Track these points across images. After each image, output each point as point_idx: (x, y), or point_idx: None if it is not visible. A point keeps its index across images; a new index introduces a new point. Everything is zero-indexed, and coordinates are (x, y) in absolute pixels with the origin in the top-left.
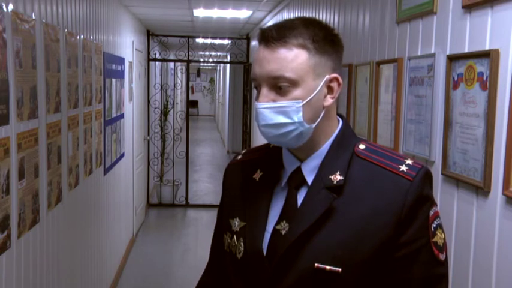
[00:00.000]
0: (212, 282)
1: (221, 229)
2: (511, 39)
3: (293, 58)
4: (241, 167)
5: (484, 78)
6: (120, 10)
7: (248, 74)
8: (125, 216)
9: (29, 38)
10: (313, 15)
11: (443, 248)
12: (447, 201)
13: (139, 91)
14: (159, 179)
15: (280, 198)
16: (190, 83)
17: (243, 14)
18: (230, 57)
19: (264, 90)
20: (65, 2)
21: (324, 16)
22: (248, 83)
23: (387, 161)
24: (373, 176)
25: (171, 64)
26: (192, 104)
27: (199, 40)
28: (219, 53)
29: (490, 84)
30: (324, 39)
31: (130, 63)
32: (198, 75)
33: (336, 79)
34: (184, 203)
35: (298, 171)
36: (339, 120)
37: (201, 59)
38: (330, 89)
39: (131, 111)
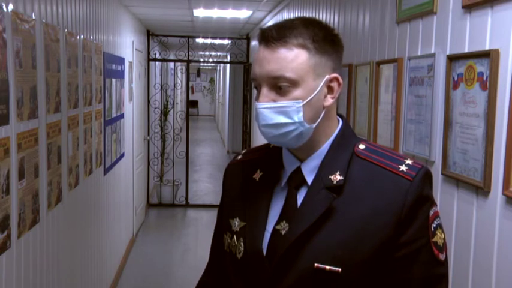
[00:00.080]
0: (212, 282)
1: (221, 229)
2: (511, 39)
3: (293, 58)
4: (241, 167)
5: (484, 78)
6: (120, 10)
7: (248, 74)
8: (125, 216)
9: (29, 38)
10: (313, 15)
11: (443, 248)
12: (447, 201)
13: (139, 91)
14: (159, 179)
15: (280, 198)
16: (190, 83)
17: (243, 14)
18: (230, 57)
19: (264, 90)
20: (65, 2)
21: (324, 16)
22: (248, 83)
23: (387, 161)
24: (373, 176)
25: (171, 64)
26: (192, 104)
27: (199, 40)
28: (219, 53)
29: (490, 84)
30: (324, 39)
31: (130, 63)
32: (198, 75)
33: (336, 79)
34: (184, 203)
35: (298, 171)
36: (338, 120)
37: (201, 59)
38: (330, 89)
39: (131, 111)
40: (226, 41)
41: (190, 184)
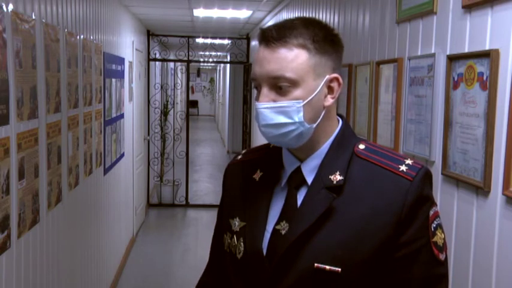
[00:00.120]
0: (212, 282)
1: (221, 229)
2: (511, 39)
3: (293, 58)
4: (241, 167)
5: (484, 78)
6: (120, 10)
7: (248, 74)
8: (125, 216)
9: (29, 38)
10: (313, 15)
11: (443, 248)
12: (447, 201)
13: (139, 91)
14: (159, 179)
15: (280, 198)
16: (190, 83)
17: (243, 14)
18: (230, 57)
19: (265, 90)
20: (65, 2)
21: (324, 16)
22: (248, 83)
23: (387, 161)
24: (373, 176)
25: (171, 64)
26: (192, 104)
27: (199, 40)
28: (219, 53)
29: (490, 84)
30: (324, 39)
31: (130, 63)
32: (198, 75)
33: (337, 79)
34: (184, 203)
35: (298, 171)
36: (338, 120)
37: (201, 59)
38: (330, 89)
39: (131, 111)
40: (226, 41)
41: (190, 184)
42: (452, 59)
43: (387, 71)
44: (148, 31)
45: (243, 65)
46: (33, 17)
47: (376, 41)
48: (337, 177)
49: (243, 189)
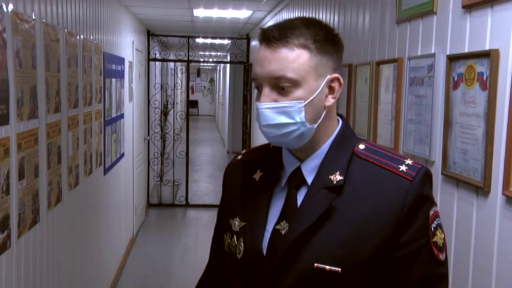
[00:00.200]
0: (212, 282)
1: (221, 229)
2: (511, 39)
3: (295, 58)
4: (241, 167)
5: (484, 78)
6: (120, 10)
7: (248, 74)
8: (125, 216)
9: (29, 38)
10: (313, 15)
11: (443, 248)
12: (447, 201)
13: (139, 91)
14: (159, 179)
15: (280, 198)
16: (190, 83)
17: (243, 14)
18: (230, 57)
19: (266, 90)
20: (65, 2)
21: (324, 16)
22: (248, 83)
23: (387, 161)
24: (373, 176)
25: (171, 64)
26: (192, 104)
27: (199, 40)
28: (219, 53)
29: (490, 84)
30: (325, 39)
31: (130, 63)
32: (198, 75)
33: (337, 79)
34: (184, 203)
35: (298, 171)
36: (338, 120)
37: (201, 59)
38: (331, 89)
39: (131, 111)
40: (226, 41)
41: (190, 184)
42: (452, 59)
43: (387, 71)
44: (148, 31)
45: (243, 65)
46: (33, 17)
47: (376, 41)
48: (337, 177)
49: (243, 189)
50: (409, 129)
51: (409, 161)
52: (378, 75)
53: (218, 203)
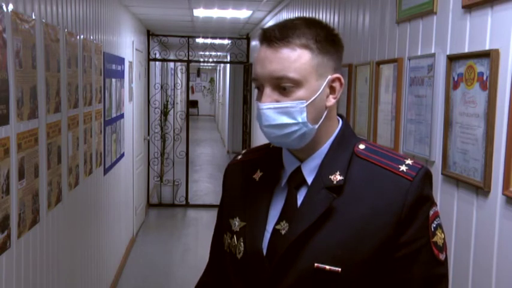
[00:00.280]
0: (212, 282)
1: (221, 229)
2: (511, 39)
3: (296, 58)
4: (241, 167)
5: (484, 78)
6: (120, 10)
7: (248, 74)
8: (125, 216)
9: (29, 38)
10: (313, 15)
11: (443, 248)
12: (447, 201)
13: (139, 91)
14: (159, 179)
15: (280, 198)
16: (190, 83)
17: (243, 14)
18: (230, 57)
19: (267, 91)
20: (65, 2)
21: (324, 16)
22: (248, 83)
23: (387, 161)
24: (373, 176)
25: (171, 64)
26: (192, 104)
27: (199, 40)
28: (219, 53)
29: (490, 84)
30: (326, 39)
31: (130, 63)
32: (198, 75)
33: (338, 79)
34: (184, 203)
35: (298, 171)
36: (339, 120)
37: (201, 59)
38: (332, 89)
39: (131, 111)
40: (226, 41)
41: (190, 184)
42: (452, 59)
43: (387, 71)
44: (148, 31)
45: (243, 65)
46: (33, 17)
47: (376, 41)
48: (337, 177)
49: (243, 189)
50: (409, 129)
51: (409, 161)
52: (378, 75)
53: (218, 203)
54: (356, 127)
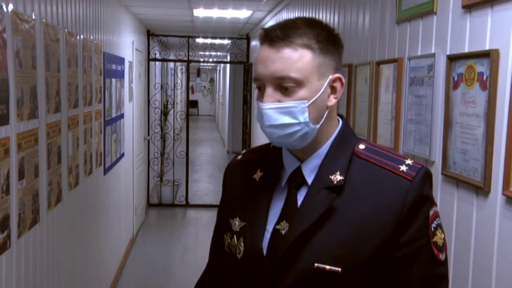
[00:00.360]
0: (212, 282)
1: (221, 229)
2: (511, 39)
3: (298, 58)
4: (241, 167)
5: (484, 78)
6: (120, 10)
7: (248, 74)
8: (125, 216)
9: (29, 38)
10: (313, 15)
11: (443, 248)
12: (447, 201)
13: (139, 91)
14: (159, 179)
15: (280, 198)
16: (190, 83)
17: (243, 14)
18: (230, 57)
19: (269, 91)
20: (65, 2)
21: (324, 16)
22: (248, 83)
23: (387, 161)
24: (373, 176)
25: (171, 64)
26: (192, 104)
27: (199, 40)
28: (219, 53)
29: (490, 84)
30: (327, 39)
31: (130, 63)
32: (198, 75)
33: (339, 79)
34: (184, 203)
35: (298, 171)
36: (339, 120)
37: (201, 59)
38: (333, 89)
39: (131, 111)
40: (226, 41)
41: (190, 184)
42: (452, 59)
43: (387, 71)
44: (148, 31)
45: (243, 65)
46: (33, 17)
47: (376, 41)
48: (337, 177)
49: (243, 189)
50: (409, 129)
51: (409, 161)
52: (378, 75)
53: (218, 203)
54: (356, 127)
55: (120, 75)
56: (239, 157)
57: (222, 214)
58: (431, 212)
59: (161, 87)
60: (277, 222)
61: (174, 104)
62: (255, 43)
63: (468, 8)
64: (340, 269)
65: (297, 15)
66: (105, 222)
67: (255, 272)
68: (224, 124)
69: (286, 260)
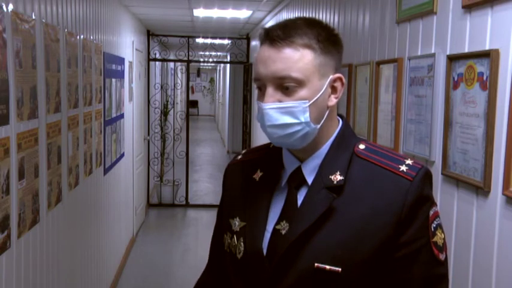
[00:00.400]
0: (212, 282)
1: (221, 229)
2: (511, 39)
3: (299, 58)
4: (241, 167)
5: (484, 78)
6: (120, 10)
7: (248, 74)
8: (125, 216)
9: (29, 38)
10: (313, 15)
11: (443, 248)
12: (447, 201)
13: (139, 91)
14: (159, 179)
15: (280, 198)
16: (190, 83)
17: (243, 14)
18: (230, 57)
19: (270, 90)
20: (65, 2)
21: (324, 16)
22: (248, 83)
23: (387, 161)
24: (373, 176)
25: (171, 64)
26: (192, 104)
27: (199, 40)
28: (219, 53)
29: (490, 84)
30: (327, 39)
31: (130, 63)
32: (198, 75)
33: (340, 79)
34: (184, 203)
35: (298, 171)
36: (339, 121)
37: (201, 59)
38: (333, 89)
39: (131, 111)
40: (226, 41)
41: (190, 184)
42: (452, 59)
43: (387, 71)
44: (148, 31)
45: (243, 65)
46: (33, 17)
47: (376, 41)
48: (337, 177)
49: (243, 189)
50: (409, 129)
51: (409, 161)
52: (378, 75)
53: (218, 203)
54: (356, 127)
55: (120, 75)
56: (239, 157)
57: (222, 214)
58: (431, 212)
59: (161, 87)
60: (277, 222)
61: (174, 104)
62: (255, 43)
63: (468, 8)
64: (340, 269)
65: (297, 15)
66: (105, 222)
67: (255, 272)
68: (224, 124)
69: (286, 260)
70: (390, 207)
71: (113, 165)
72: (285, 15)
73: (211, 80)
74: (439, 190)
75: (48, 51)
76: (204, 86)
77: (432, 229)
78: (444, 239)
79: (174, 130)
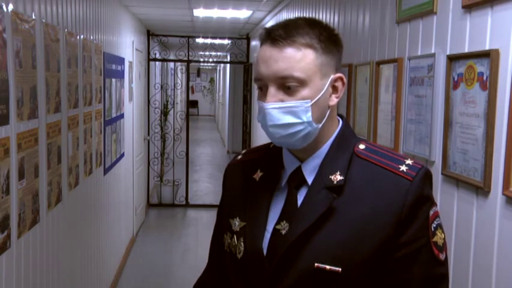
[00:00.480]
0: (211, 282)
1: (221, 229)
2: (511, 39)
3: (301, 57)
4: (241, 167)
5: (484, 78)
6: (120, 10)
7: (248, 74)
8: (125, 216)
9: (29, 38)
10: (313, 15)
11: (443, 248)
12: (447, 201)
13: (139, 91)
14: (159, 179)
15: (280, 198)
16: (190, 83)
17: (243, 14)
18: (230, 57)
19: (272, 90)
20: (65, 2)
21: (324, 16)
22: (248, 83)
23: (387, 161)
24: (373, 176)
25: (171, 64)
26: (192, 104)
27: (199, 40)
28: (219, 53)
29: (490, 84)
30: (328, 39)
31: (130, 63)
32: (198, 75)
33: (341, 78)
34: (184, 203)
35: (298, 171)
36: (339, 120)
37: (201, 59)
38: (334, 89)
39: (131, 111)
40: (226, 41)
41: (190, 184)
42: (452, 59)
43: (387, 71)
44: (148, 31)
45: (243, 65)
46: (33, 17)
47: (376, 41)
48: (337, 177)
49: (243, 189)
50: (409, 129)
51: (409, 161)
52: (378, 75)
53: (218, 203)
54: (356, 127)
55: (120, 75)
56: (239, 157)
57: (222, 214)
58: (431, 212)
59: (161, 87)
60: (277, 222)
61: (174, 104)
62: (255, 43)
63: (468, 8)
64: (340, 269)
65: (297, 15)
66: (105, 222)
67: (255, 272)
68: (224, 124)
69: (286, 260)
70: (390, 207)
71: (113, 165)
72: (285, 15)
73: (211, 80)
74: (439, 190)
75: (48, 51)
76: (204, 86)
77: (432, 229)
78: (444, 239)
79: (174, 130)
